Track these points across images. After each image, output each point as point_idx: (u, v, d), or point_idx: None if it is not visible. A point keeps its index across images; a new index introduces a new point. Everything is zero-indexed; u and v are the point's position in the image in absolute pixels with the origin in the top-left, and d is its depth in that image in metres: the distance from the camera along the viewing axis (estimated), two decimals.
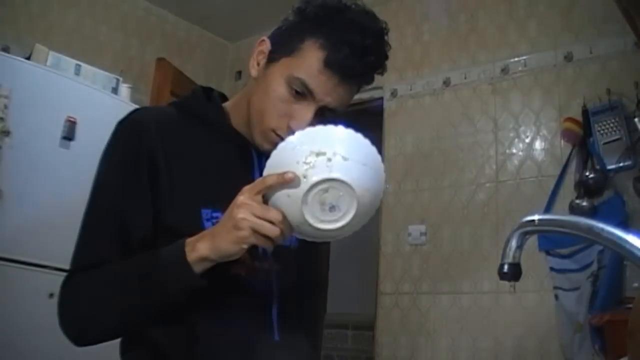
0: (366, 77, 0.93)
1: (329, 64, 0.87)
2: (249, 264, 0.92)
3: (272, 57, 0.93)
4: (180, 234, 0.86)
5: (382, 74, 0.94)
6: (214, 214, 0.90)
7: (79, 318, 0.88)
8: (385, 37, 0.92)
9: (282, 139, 0.90)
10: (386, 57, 0.92)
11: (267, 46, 0.95)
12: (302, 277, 1.03)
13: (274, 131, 0.91)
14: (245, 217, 0.76)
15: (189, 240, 0.82)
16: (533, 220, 0.50)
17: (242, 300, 0.91)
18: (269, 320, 0.92)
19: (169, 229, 0.89)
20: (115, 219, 0.90)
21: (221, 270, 0.88)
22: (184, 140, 0.95)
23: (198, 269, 0.81)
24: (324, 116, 0.93)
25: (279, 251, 0.96)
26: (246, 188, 0.80)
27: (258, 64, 0.96)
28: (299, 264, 1.01)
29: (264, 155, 0.99)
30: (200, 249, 0.80)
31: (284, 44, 0.92)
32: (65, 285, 0.90)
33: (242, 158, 0.98)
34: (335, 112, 0.92)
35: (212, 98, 1.03)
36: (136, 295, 0.84)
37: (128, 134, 0.94)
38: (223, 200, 0.90)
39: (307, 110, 0.89)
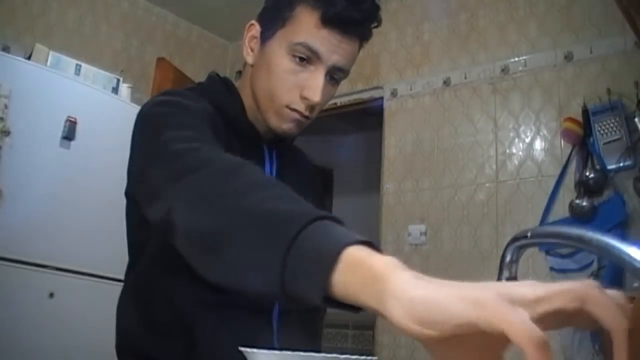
0: (365, 28, 0.90)
1: (327, 20, 0.84)
2: None
3: (266, 36, 0.90)
4: None
5: (378, 25, 0.91)
6: None
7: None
8: None
9: (299, 113, 0.88)
10: (378, 7, 0.90)
11: (257, 28, 0.92)
12: None
13: (287, 107, 0.88)
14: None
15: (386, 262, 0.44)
16: (526, 235, 0.51)
17: (242, 303, 0.86)
18: (269, 324, 0.90)
19: None
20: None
21: None
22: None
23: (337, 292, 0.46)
24: (334, 80, 0.90)
25: None
26: None
27: (252, 50, 0.93)
28: None
29: (274, 149, 0.97)
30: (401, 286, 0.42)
31: (274, 19, 0.89)
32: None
33: (253, 151, 0.95)
34: (344, 71, 0.89)
35: (229, 88, 0.98)
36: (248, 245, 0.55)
37: (179, 100, 0.85)
38: None
39: (317, 75, 0.86)
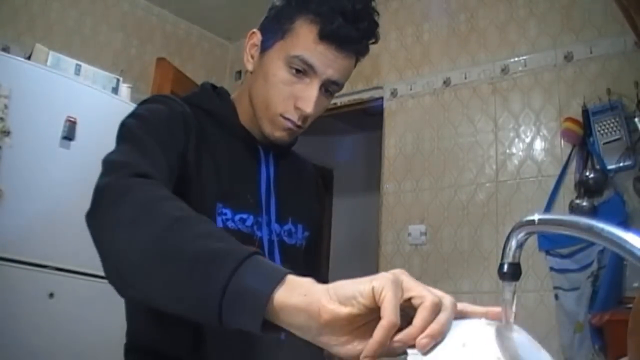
0: (362, 45, 0.92)
1: (324, 36, 0.87)
2: None
3: (266, 46, 0.93)
4: None
5: (375, 42, 0.93)
6: (224, 210, 0.90)
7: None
8: (373, 3, 0.92)
9: (291, 122, 0.91)
10: (377, 24, 0.92)
11: (258, 37, 0.95)
12: (308, 275, 1.02)
13: (282, 115, 0.91)
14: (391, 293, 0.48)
15: (292, 278, 0.56)
16: (533, 220, 0.50)
17: None
18: None
19: None
20: (161, 147, 0.83)
21: None
22: (201, 134, 0.94)
23: (268, 319, 0.53)
24: (329, 92, 0.93)
25: (287, 250, 0.97)
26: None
27: (252, 57, 0.96)
28: (305, 263, 1.02)
29: (271, 152, 1.00)
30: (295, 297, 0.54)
31: (275, 30, 0.92)
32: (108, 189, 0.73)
33: (249, 155, 0.98)
34: (338, 85, 0.92)
35: (221, 95, 1.02)
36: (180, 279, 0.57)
37: (172, 104, 0.91)
38: (232, 196, 0.91)
39: (311, 87, 0.89)
